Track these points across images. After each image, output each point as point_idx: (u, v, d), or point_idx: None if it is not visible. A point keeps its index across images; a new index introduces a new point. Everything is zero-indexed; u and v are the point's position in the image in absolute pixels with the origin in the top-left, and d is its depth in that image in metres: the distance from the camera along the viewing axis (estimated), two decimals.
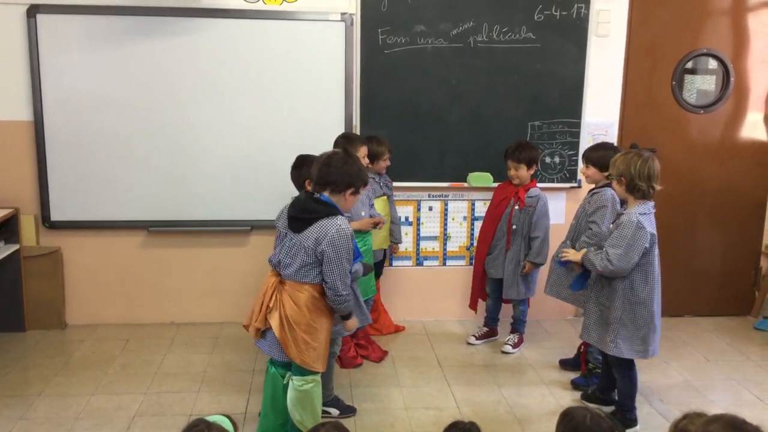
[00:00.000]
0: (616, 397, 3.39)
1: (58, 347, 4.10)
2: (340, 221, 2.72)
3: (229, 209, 4.37)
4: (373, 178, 4.06)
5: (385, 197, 4.14)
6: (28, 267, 4.27)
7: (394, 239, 4.29)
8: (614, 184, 3.15)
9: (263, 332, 2.88)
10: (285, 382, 2.95)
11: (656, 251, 3.12)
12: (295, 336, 2.77)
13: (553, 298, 3.83)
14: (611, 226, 3.25)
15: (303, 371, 2.84)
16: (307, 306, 2.78)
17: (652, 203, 3.10)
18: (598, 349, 3.38)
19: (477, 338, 4.32)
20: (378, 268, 4.17)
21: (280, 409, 2.96)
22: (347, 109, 4.32)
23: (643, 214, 3.05)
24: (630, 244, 3.00)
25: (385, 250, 4.19)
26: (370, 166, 3.98)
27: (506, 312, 4.35)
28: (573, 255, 3.28)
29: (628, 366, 3.25)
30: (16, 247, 4.18)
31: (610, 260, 3.03)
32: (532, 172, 4.05)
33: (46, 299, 4.32)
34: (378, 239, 4.05)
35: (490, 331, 4.34)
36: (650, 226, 3.05)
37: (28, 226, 4.24)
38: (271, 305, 2.81)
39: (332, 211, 2.74)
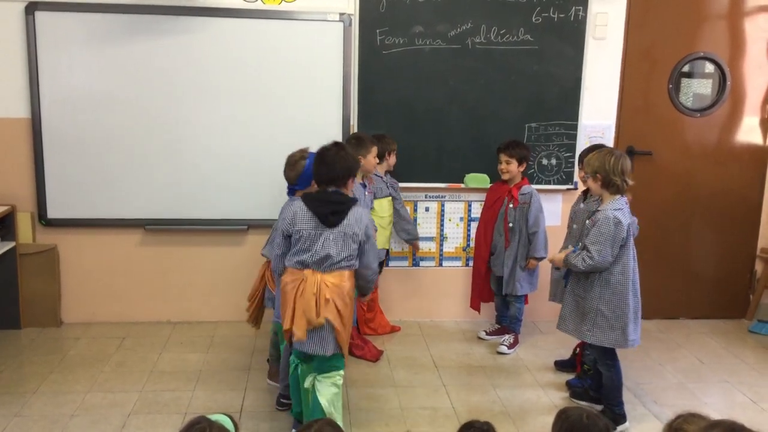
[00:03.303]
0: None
1: (53, 345, 4.10)
2: (363, 208, 2.94)
3: (226, 208, 4.37)
4: (381, 177, 4.09)
5: (389, 198, 4.16)
6: (25, 264, 4.27)
7: (412, 236, 4.38)
8: (589, 181, 3.29)
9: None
10: (308, 386, 2.91)
11: (631, 242, 3.23)
12: (345, 326, 2.84)
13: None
14: (587, 222, 3.33)
15: (339, 364, 2.89)
16: (350, 295, 2.86)
17: (625, 198, 3.23)
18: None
19: (488, 334, 4.38)
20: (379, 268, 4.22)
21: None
22: (345, 109, 4.33)
23: (618, 209, 3.17)
24: (609, 239, 3.13)
25: (387, 250, 4.23)
26: (379, 164, 4.03)
27: None
28: (557, 258, 3.39)
29: (611, 356, 3.31)
30: (12, 244, 4.18)
31: (591, 257, 3.15)
32: (522, 169, 4.12)
33: (42, 297, 4.31)
34: (381, 239, 4.08)
35: (501, 329, 4.37)
36: (625, 218, 3.17)
37: (24, 224, 4.24)
38: (327, 297, 2.78)
39: (355, 200, 2.93)
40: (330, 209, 2.83)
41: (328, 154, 2.87)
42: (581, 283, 3.29)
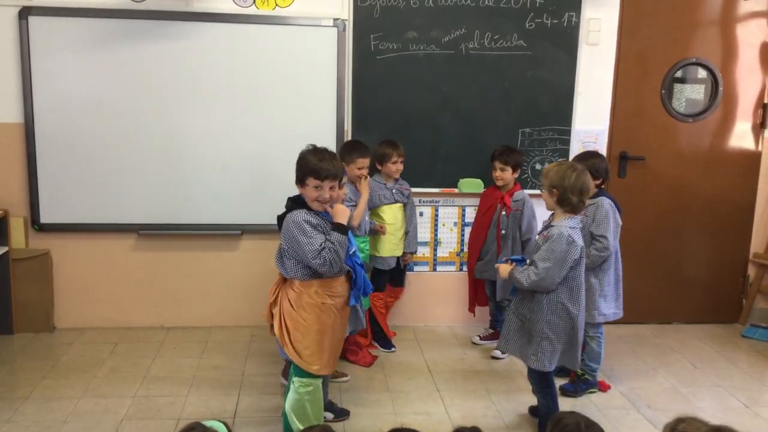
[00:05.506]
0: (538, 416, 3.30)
1: (46, 350, 4.08)
2: (295, 213, 2.78)
3: (219, 213, 4.36)
4: (384, 184, 4.08)
5: (399, 205, 4.15)
6: (17, 269, 4.25)
7: (408, 249, 4.28)
8: (544, 194, 3.04)
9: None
10: (288, 384, 2.97)
11: (582, 265, 3.02)
12: (290, 334, 2.81)
13: None
14: (537, 237, 3.14)
15: (302, 372, 2.85)
16: (298, 303, 2.81)
17: (579, 217, 3.04)
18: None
19: (482, 338, 4.39)
20: (394, 275, 4.27)
21: None
22: (339, 114, 4.33)
23: (573, 228, 2.97)
24: (560, 258, 2.91)
25: (398, 257, 4.20)
26: (378, 171, 4.04)
27: None
28: (503, 271, 3.15)
29: (547, 383, 3.15)
30: (5, 249, 4.16)
31: (538, 274, 2.93)
32: (516, 176, 4.14)
33: (34, 302, 4.29)
34: (389, 246, 4.10)
35: (495, 333, 4.35)
36: (579, 239, 2.98)
37: (17, 229, 4.22)
38: (271, 301, 2.87)
39: (294, 207, 2.84)
40: (280, 215, 2.89)
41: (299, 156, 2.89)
42: (526, 302, 3.07)
